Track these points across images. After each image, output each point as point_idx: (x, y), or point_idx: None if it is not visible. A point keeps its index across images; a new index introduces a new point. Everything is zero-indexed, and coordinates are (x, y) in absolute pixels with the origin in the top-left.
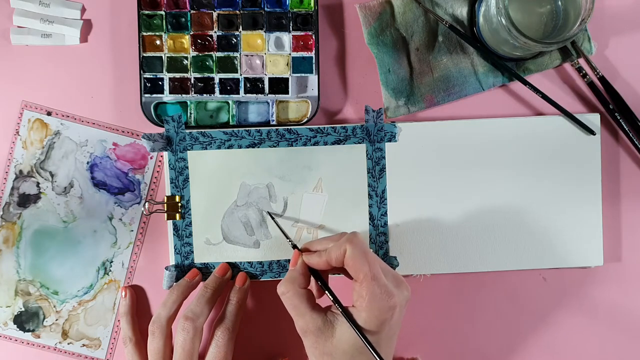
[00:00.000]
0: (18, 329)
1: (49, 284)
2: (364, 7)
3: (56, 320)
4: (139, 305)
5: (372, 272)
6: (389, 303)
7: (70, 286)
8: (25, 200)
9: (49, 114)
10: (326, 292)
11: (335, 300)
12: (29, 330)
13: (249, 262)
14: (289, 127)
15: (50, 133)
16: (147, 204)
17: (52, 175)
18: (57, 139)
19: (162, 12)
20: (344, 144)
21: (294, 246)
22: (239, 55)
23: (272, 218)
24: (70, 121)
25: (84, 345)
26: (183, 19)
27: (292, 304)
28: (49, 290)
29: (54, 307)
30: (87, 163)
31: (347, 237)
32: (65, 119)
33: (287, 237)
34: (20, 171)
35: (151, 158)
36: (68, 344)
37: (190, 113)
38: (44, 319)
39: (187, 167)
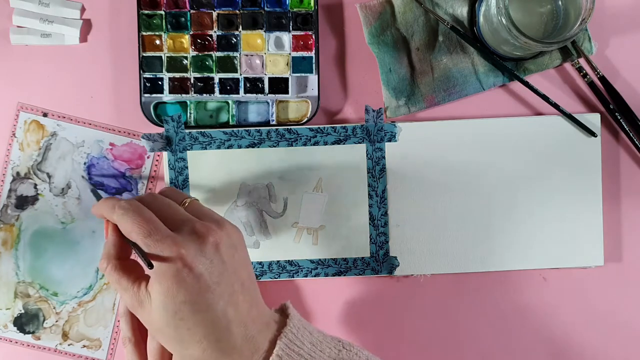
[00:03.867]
0: (18, 331)
1: (49, 286)
2: (365, 6)
3: (56, 321)
4: None
5: (143, 230)
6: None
7: (70, 287)
8: (23, 202)
9: (45, 115)
10: (133, 249)
11: (144, 257)
12: (29, 332)
13: None
14: (289, 127)
15: (47, 134)
16: None
17: (49, 177)
18: (53, 140)
19: (162, 12)
20: (344, 144)
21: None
22: (238, 55)
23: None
24: (66, 122)
25: (84, 346)
26: (183, 19)
27: (114, 279)
28: (48, 291)
29: (54, 308)
30: (84, 164)
31: (121, 203)
32: (61, 120)
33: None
34: (18, 173)
35: (148, 157)
36: (68, 345)
37: (190, 113)
38: (43, 320)
39: (187, 167)
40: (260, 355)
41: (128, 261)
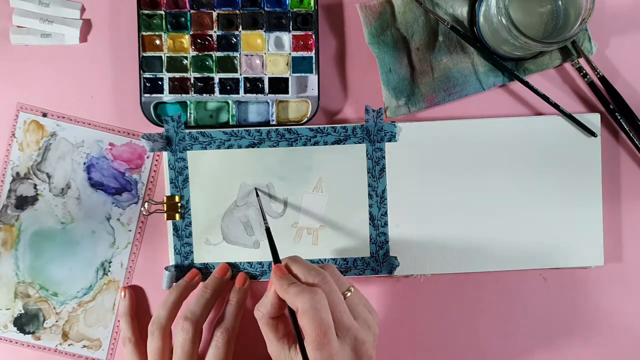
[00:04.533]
0: (18, 331)
1: (48, 286)
2: (365, 6)
3: (56, 321)
4: (138, 306)
5: (319, 341)
6: None
7: (70, 287)
8: (23, 202)
9: (44, 115)
10: (294, 328)
11: (300, 341)
12: (29, 333)
13: (249, 263)
14: (289, 127)
15: (46, 134)
16: (146, 204)
17: (49, 177)
18: (53, 141)
19: (162, 12)
20: (344, 143)
21: (276, 260)
22: (238, 55)
23: (258, 198)
24: (66, 122)
25: (84, 346)
26: (183, 19)
27: (263, 330)
28: (48, 291)
29: (54, 308)
30: (84, 164)
31: (309, 294)
32: (61, 120)
33: (274, 251)
34: (17, 173)
35: (147, 157)
36: (68, 345)
37: (190, 113)
38: (44, 320)
39: (187, 167)
40: None
41: (275, 320)
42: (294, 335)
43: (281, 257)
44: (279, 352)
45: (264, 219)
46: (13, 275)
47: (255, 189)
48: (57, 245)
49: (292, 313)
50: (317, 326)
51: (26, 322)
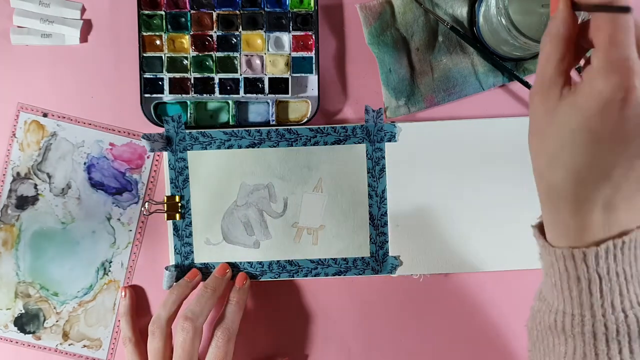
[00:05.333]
0: (19, 331)
1: (49, 286)
2: (364, 7)
3: (57, 321)
4: (138, 305)
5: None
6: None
7: (70, 287)
8: (23, 202)
9: (45, 115)
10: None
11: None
12: (29, 332)
13: (249, 262)
14: (289, 127)
15: (47, 135)
16: (147, 204)
17: (49, 177)
18: (53, 141)
19: (162, 12)
20: (344, 144)
21: None
22: (238, 55)
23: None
24: (66, 122)
25: (84, 346)
26: (183, 19)
27: (545, 51)
28: (48, 291)
29: (54, 308)
30: (84, 164)
31: None
32: (61, 120)
33: None
34: (18, 173)
35: (148, 157)
36: (69, 345)
37: (190, 113)
38: (44, 320)
39: (187, 167)
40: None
41: (567, 52)
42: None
43: (281, 257)
44: (558, 78)
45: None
46: (13, 275)
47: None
48: (58, 245)
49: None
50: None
51: (27, 321)
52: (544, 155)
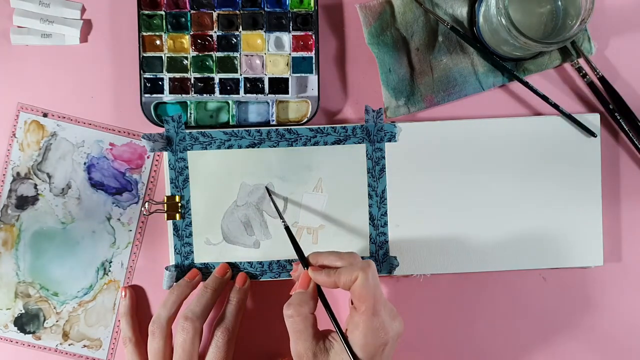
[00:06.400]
0: (19, 331)
1: (49, 286)
2: (364, 7)
3: (57, 321)
4: (138, 305)
5: (375, 307)
6: (383, 339)
7: (70, 287)
8: (23, 202)
9: (45, 115)
10: (330, 319)
11: (339, 328)
12: (29, 332)
13: (249, 262)
14: (289, 127)
15: (47, 135)
16: (147, 204)
17: (49, 177)
18: (53, 141)
19: (162, 12)
20: (344, 144)
21: (305, 265)
22: (239, 55)
23: (272, 199)
24: (66, 122)
25: (85, 346)
26: (183, 19)
27: (296, 329)
28: (48, 291)
29: (54, 308)
30: (84, 164)
31: (362, 265)
32: (61, 120)
33: (298, 249)
34: (18, 173)
35: (148, 157)
36: (69, 345)
37: (190, 113)
38: (44, 320)
39: (187, 167)
40: None
41: (313, 316)
42: (322, 330)
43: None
44: (314, 347)
45: (281, 218)
46: (13, 275)
47: (267, 188)
48: (58, 245)
49: (325, 301)
50: (375, 293)
51: (27, 321)
52: None
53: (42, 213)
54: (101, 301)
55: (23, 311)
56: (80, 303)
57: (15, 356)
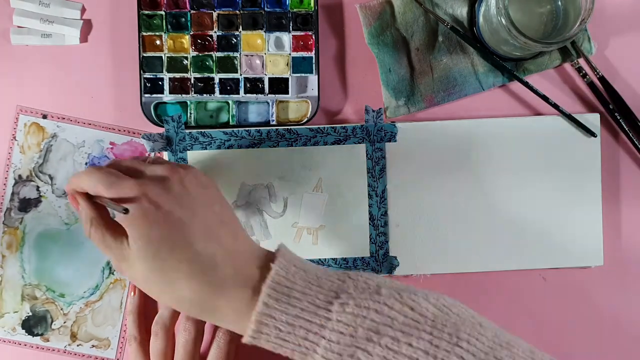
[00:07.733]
0: (27, 334)
1: (55, 287)
2: (364, 7)
3: (64, 322)
4: (147, 305)
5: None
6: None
7: (76, 288)
8: (26, 205)
9: (44, 117)
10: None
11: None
12: (37, 335)
13: None
14: (289, 127)
15: (47, 136)
16: None
17: (51, 178)
18: (54, 142)
19: (162, 12)
20: (344, 144)
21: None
22: (239, 55)
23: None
24: (66, 123)
25: (93, 346)
26: (183, 19)
27: (98, 237)
28: (55, 293)
29: (61, 309)
30: (86, 164)
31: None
32: (61, 121)
33: None
34: (20, 176)
35: (149, 156)
36: (77, 345)
37: (190, 113)
38: (51, 322)
39: None
40: (254, 284)
41: (109, 220)
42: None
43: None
44: (119, 250)
45: None
46: (19, 277)
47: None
48: (62, 246)
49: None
50: (101, 173)
51: (34, 324)
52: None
53: (45, 215)
54: (108, 300)
55: (30, 313)
56: (87, 303)
57: (23, 359)
